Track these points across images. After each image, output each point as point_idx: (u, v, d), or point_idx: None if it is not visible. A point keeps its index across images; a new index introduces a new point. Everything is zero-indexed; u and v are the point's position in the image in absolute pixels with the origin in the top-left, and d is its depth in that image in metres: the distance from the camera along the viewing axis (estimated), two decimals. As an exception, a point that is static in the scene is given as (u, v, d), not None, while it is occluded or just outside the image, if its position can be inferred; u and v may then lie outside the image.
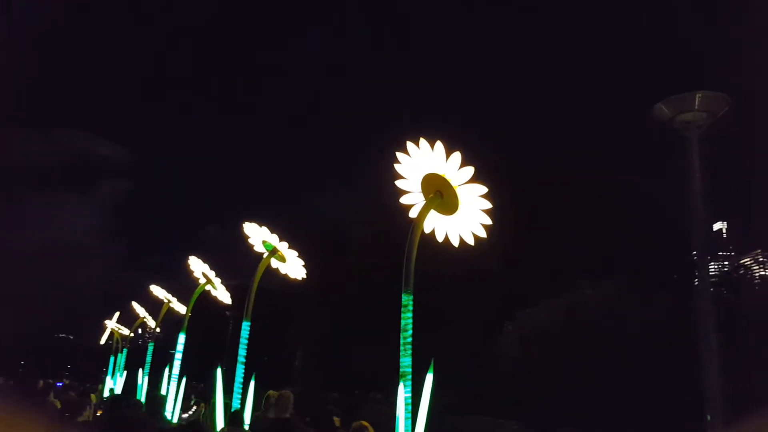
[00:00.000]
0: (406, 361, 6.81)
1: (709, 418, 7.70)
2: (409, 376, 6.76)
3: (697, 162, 8.53)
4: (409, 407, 6.65)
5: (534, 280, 43.44)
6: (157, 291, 22.88)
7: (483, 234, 8.13)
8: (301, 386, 51.30)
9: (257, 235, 11.92)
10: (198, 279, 17.02)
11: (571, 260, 43.62)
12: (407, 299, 7.16)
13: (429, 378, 7.07)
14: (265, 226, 11.91)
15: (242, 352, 11.15)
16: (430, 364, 7.91)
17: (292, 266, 12.06)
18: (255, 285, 11.66)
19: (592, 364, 39.15)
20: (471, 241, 8.32)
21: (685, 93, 8.75)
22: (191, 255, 16.76)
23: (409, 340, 6.95)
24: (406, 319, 7.06)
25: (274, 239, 11.75)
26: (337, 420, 10.39)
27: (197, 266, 16.67)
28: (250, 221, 11.92)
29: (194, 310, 18.34)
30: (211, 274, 16.41)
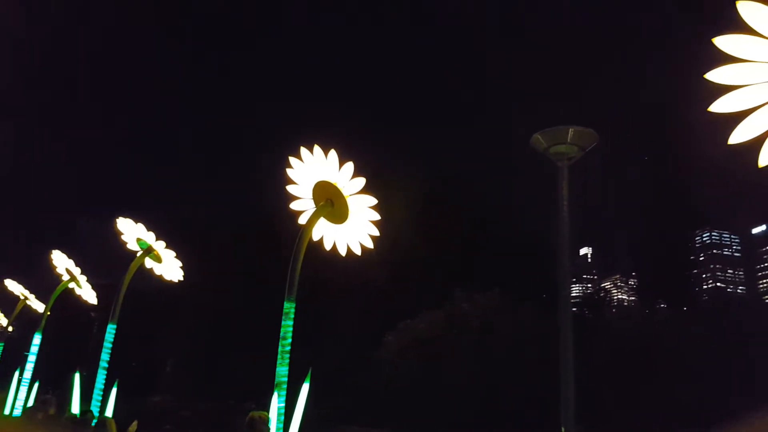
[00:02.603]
0: (282, 371, 6.69)
1: (563, 430, 8.29)
2: (285, 386, 6.64)
3: (566, 190, 9.26)
4: (282, 417, 6.52)
5: (415, 292, 44.75)
6: (13, 286, 20.69)
7: (371, 245, 8.23)
8: (171, 395, 48.75)
9: (132, 232, 11.18)
10: (61, 275, 15.62)
11: (450, 275, 45.49)
12: (289, 307, 7.05)
13: (305, 388, 6.98)
14: (143, 223, 11.21)
15: (105, 356, 10.35)
16: (307, 373, 7.83)
17: (169, 267, 11.43)
18: (125, 285, 10.91)
19: (466, 373, 41.01)
20: (358, 251, 8.38)
21: (559, 126, 9.49)
22: (55, 249, 15.36)
23: (288, 348, 6.84)
24: (287, 327, 6.94)
25: (150, 237, 11.08)
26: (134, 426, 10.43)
27: (61, 261, 15.29)
28: (126, 217, 11.17)
29: (54, 310, 16.79)
30: (76, 271, 15.11)
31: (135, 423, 10.51)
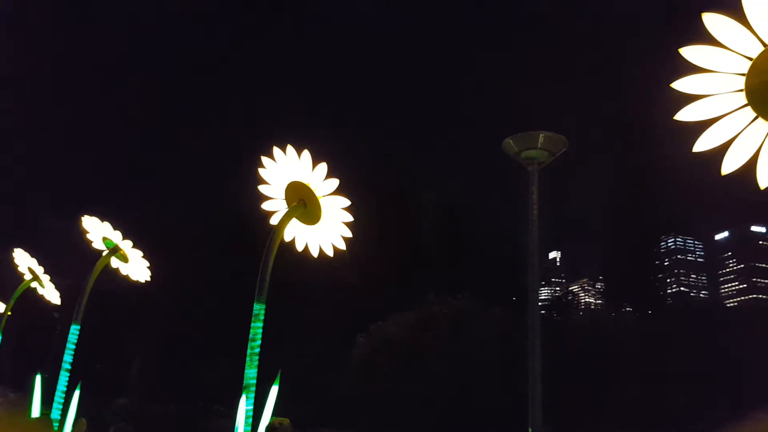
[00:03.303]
0: (251, 373, 6.61)
1: (531, 430, 8.39)
2: (253, 388, 6.57)
3: (537, 195, 9.40)
4: (250, 420, 6.45)
5: (387, 295, 44.82)
6: (-29, 286, 20.03)
7: (343, 246, 8.21)
8: (137, 397, 47.83)
9: (97, 230, 10.92)
10: (23, 275, 15.17)
11: (422, 277, 45.72)
12: (259, 308, 6.98)
13: (274, 390, 6.90)
14: (110, 221, 10.96)
15: (68, 358, 10.09)
16: (277, 375, 7.76)
17: (136, 267, 11.20)
18: (89, 285, 10.63)
19: (437, 375, 41.26)
20: (330, 253, 8.35)
21: (530, 131, 9.64)
22: (17, 247, 14.92)
23: (257, 350, 6.76)
24: (256, 328, 6.87)
25: (116, 236, 10.84)
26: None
27: (23, 260, 14.86)
28: (91, 215, 10.91)
29: (15, 310, 16.30)
30: (39, 270, 14.71)
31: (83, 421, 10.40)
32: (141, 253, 11.00)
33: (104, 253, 10.95)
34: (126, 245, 10.88)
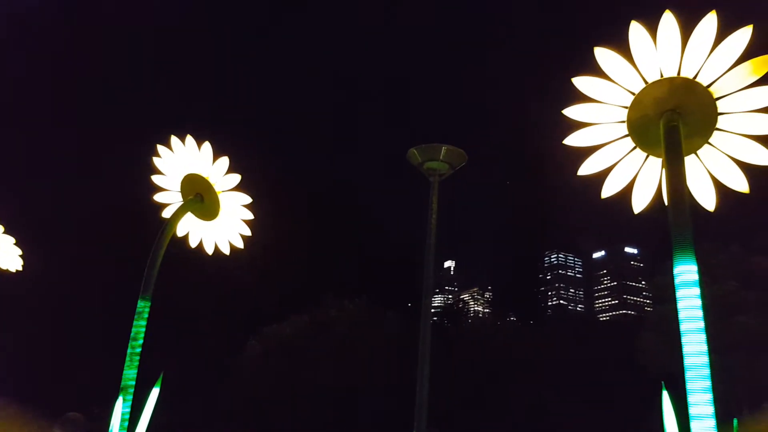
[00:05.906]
0: (130, 374, 6.24)
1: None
2: (132, 390, 6.19)
3: (436, 204, 9.73)
4: (126, 423, 6.08)
5: (282, 297, 44.26)
6: None
7: (241, 245, 7.98)
8: (1, 398, 43.68)
9: (-37, 212, 9.87)
10: None
11: (319, 280, 45.63)
12: (143, 306, 6.60)
13: (154, 392, 6.54)
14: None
15: None
16: (159, 377, 7.38)
17: (6, 255, 10.24)
18: (-51, 272, 9.58)
19: (329, 378, 41.20)
20: (227, 251, 8.09)
21: (434, 144, 10.00)
22: None
23: (138, 350, 6.39)
24: (138, 327, 6.49)
25: (-15, 220, 9.87)
26: None
27: None
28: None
29: None
30: None
31: None
32: (13, 240, 10.11)
33: (-32, 238, 9.94)
34: (-5, 230, 9.94)
